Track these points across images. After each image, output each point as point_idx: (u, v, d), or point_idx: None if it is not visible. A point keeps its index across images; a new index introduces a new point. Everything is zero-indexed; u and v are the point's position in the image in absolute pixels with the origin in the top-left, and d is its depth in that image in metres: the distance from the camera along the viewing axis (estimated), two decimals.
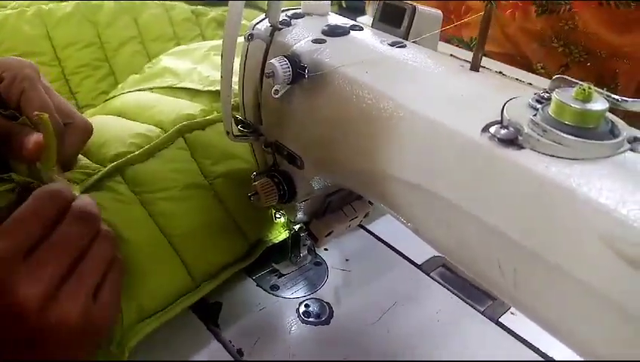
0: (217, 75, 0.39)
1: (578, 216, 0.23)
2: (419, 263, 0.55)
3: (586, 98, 0.25)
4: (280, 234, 0.52)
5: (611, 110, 0.26)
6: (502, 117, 0.27)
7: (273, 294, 0.50)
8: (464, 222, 0.28)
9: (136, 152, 0.45)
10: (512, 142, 0.26)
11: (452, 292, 0.51)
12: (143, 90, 0.57)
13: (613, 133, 0.25)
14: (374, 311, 0.49)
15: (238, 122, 0.44)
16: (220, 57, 0.38)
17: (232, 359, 0.44)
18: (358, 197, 0.48)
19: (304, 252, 0.52)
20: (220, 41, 0.37)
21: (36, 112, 0.36)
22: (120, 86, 0.63)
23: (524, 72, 0.75)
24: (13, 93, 0.38)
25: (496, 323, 0.48)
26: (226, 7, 0.79)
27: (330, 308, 0.49)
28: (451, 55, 0.42)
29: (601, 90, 0.26)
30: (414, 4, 0.39)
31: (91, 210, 0.36)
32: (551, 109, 0.25)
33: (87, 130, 0.43)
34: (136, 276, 0.41)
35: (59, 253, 0.33)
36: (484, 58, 0.34)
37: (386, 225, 0.59)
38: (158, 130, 0.48)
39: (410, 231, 0.34)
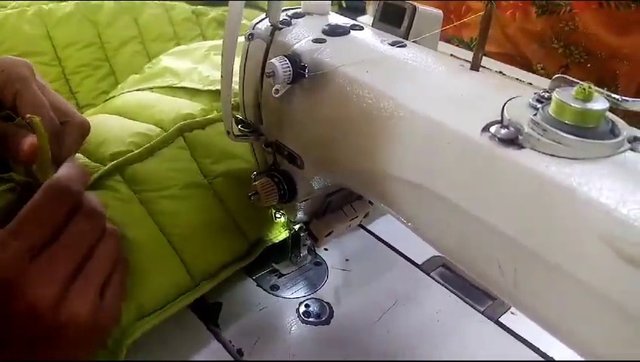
0: (217, 75, 0.39)
1: (578, 215, 0.23)
2: (419, 263, 0.55)
3: (587, 97, 0.25)
4: (280, 234, 0.52)
5: (611, 110, 0.26)
6: (502, 116, 0.27)
7: (273, 294, 0.50)
8: (464, 221, 0.28)
9: (136, 151, 0.46)
10: (512, 141, 0.26)
11: (452, 292, 0.51)
12: (143, 89, 0.57)
13: (613, 132, 0.25)
14: (374, 310, 0.49)
15: (238, 122, 0.44)
16: (220, 57, 0.38)
17: (232, 359, 0.44)
18: (358, 197, 0.48)
19: (304, 252, 0.52)
20: (220, 41, 0.37)
21: (28, 115, 0.35)
22: (120, 86, 0.63)
23: (524, 71, 0.75)
24: (8, 93, 0.38)
25: (496, 323, 0.48)
26: (226, 7, 0.79)
27: (331, 308, 0.49)
28: (451, 55, 0.42)
29: (601, 90, 0.26)
30: (415, 3, 0.39)
31: (95, 207, 0.36)
32: (551, 109, 0.25)
33: (85, 128, 0.43)
34: (135, 274, 0.41)
35: (69, 251, 0.33)
36: (484, 58, 0.34)
37: (386, 225, 0.59)
38: (158, 130, 0.48)
39: (410, 231, 0.34)
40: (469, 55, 0.35)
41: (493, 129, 0.26)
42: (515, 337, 0.47)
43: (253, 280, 0.51)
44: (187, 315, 0.47)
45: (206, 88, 0.53)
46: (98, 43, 0.70)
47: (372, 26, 0.42)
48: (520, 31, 0.82)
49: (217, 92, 0.51)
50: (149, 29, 0.74)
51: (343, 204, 0.48)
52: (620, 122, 0.26)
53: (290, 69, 0.36)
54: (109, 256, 0.36)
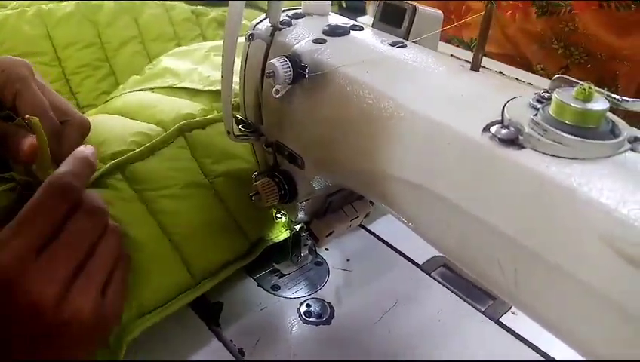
0: (217, 75, 0.39)
1: (579, 215, 0.23)
2: (420, 263, 0.55)
3: (587, 98, 0.25)
4: (281, 234, 0.53)
5: (612, 110, 0.26)
6: (502, 117, 0.27)
7: (274, 294, 0.50)
8: (465, 221, 0.28)
9: (137, 150, 0.46)
10: (512, 141, 0.26)
11: (453, 292, 0.51)
12: (144, 90, 0.57)
13: (613, 132, 0.25)
14: (375, 310, 0.49)
15: (238, 122, 0.44)
16: (220, 58, 0.38)
17: (234, 359, 0.44)
18: (359, 197, 0.48)
19: (305, 252, 0.52)
20: (220, 42, 0.37)
21: (27, 116, 0.36)
22: (121, 87, 0.63)
23: (524, 72, 0.75)
24: (8, 93, 0.38)
25: (496, 323, 0.48)
26: (226, 7, 0.79)
27: (331, 307, 0.49)
28: (452, 55, 0.42)
29: (601, 90, 0.26)
30: (415, 4, 0.39)
31: (98, 205, 0.36)
32: (551, 109, 0.26)
33: (85, 127, 0.43)
34: (136, 273, 0.41)
35: (71, 249, 0.33)
36: (484, 58, 0.34)
37: (387, 225, 0.59)
38: (159, 129, 0.48)
39: (410, 231, 0.34)
40: (469, 55, 0.35)
41: (493, 129, 0.26)
42: (515, 337, 0.47)
43: (255, 280, 0.51)
44: (188, 315, 0.47)
45: (206, 88, 0.53)
46: (98, 43, 0.70)
47: (372, 26, 0.42)
48: (520, 31, 0.82)
49: (217, 92, 0.51)
50: (149, 29, 0.74)
51: (344, 204, 0.48)
52: (621, 122, 0.26)
53: (291, 69, 0.36)
54: (110, 253, 0.36)
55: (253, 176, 0.45)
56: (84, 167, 0.37)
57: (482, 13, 0.33)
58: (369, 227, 0.59)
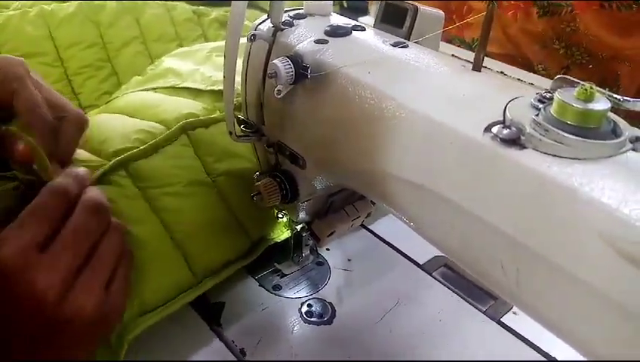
0: (220, 76, 0.39)
1: (580, 215, 0.23)
2: (421, 263, 0.55)
3: (588, 98, 0.25)
4: (282, 234, 0.53)
5: (613, 110, 0.26)
6: (504, 117, 0.27)
7: (276, 294, 0.50)
8: (467, 222, 0.28)
9: (141, 148, 0.46)
10: (514, 141, 0.26)
11: (454, 292, 0.51)
12: (147, 90, 0.57)
13: (615, 132, 0.25)
14: (376, 310, 0.49)
15: (240, 122, 0.44)
16: (222, 58, 0.38)
17: (235, 359, 0.44)
18: (360, 197, 0.48)
19: (306, 252, 0.52)
20: (222, 43, 0.37)
21: (4, 127, 0.36)
22: (123, 87, 0.63)
23: (526, 72, 0.75)
24: (5, 92, 0.39)
25: (497, 323, 0.48)
26: (227, 8, 0.79)
27: (333, 307, 0.49)
28: (453, 55, 0.42)
29: (603, 90, 0.26)
30: (416, 4, 0.39)
31: (101, 202, 0.36)
32: (553, 109, 0.26)
33: (81, 122, 0.43)
34: (137, 271, 0.41)
35: (72, 245, 0.34)
36: (485, 58, 0.34)
37: (388, 225, 0.59)
38: (162, 127, 0.48)
39: (412, 231, 0.34)
40: (470, 55, 0.35)
41: (495, 129, 0.27)
42: (516, 337, 0.47)
43: (256, 280, 0.51)
44: (190, 315, 0.47)
45: (208, 88, 0.53)
46: (100, 43, 0.70)
47: (374, 26, 0.42)
48: (521, 32, 0.82)
49: (220, 92, 0.51)
50: (150, 30, 0.74)
51: (345, 204, 0.48)
52: (622, 122, 0.26)
53: (293, 69, 0.36)
54: (113, 250, 0.36)
55: (254, 176, 0.45)
56: (79, 177, 0.38)
57: (484, 13, 0.33)
58: (370, 227, 0.59)
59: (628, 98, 0.26)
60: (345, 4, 0.93)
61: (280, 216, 0.50)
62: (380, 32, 0.41)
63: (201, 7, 0.80)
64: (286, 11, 0.42)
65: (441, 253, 0.35)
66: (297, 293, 0.50)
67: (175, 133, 0.48)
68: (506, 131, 0.26)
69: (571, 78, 0.27)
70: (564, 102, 0.25)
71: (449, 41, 0.88)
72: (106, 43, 0.70)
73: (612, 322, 0.23)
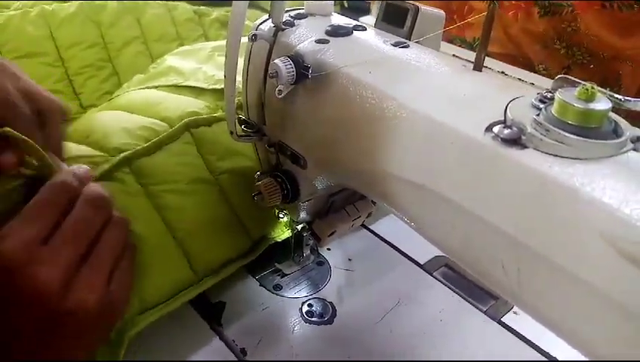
0: (222, 75, 0.39)
1: (581, 215, 0.23)
2: (421, 263, 0.55)
3: (589, 98, 0.25)
4: (283, 234, 0.53)
5: (614, 110, 0.26)
6: (505, 117, 0.27)
7: (276, 294, 0.50)
8: (468, 222, 0.28)
9: (144, 145, 0.46)
10: (515, 141, 0.26)
11: (455, 292, 0.51)
12: (149, 88, 0.57)
13: (616, 132, 0.25)
14: (377, 310, 0.49)
15: (241, 122, 0.44)
16: (223, 58, 0.38)
17: (235, 359, 0.44)
18: (361, 197, 0.48)
19: (307, 252, 0.52)
20: (224, 42, 0.37)
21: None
22: (125, 85, 0.63)
23: (527, 72, 0.75)
24: None
25: (498, 323, 0.48)
26: (228, 8, 0.79)
27: (333, 307, 0.49)
28: (454, 55, 0.42)
29: (604, 90, 0.26)
30: (417, 4, 0.39)
31: (102, 195, 0.37)
32: (554, 109, 0.26)
33: (60, 109, 0.42)
34: (139, 268, 0.41)
35: (74, 238, 0.34)
36: (486, 58, 0.34)
37: (389, 225, 0.59)
38: (165, 125, 0.48)
39: (412, 231, 0.34)
40: (471, 55, 0.35)
41: (496, 129, 0.27)
42: (517, 337, 0.47)
43: (257, 279, 0.52)
44: (190, 314, 0.47)
45: (211, 87, 0.53)
46: (101, 43, 0.70)
47: (375, 26, 0.42)
48: (522, 31, 0.82)
49: (222, 91, 0.51)
50: (151, 30, 0.74)
51: (346, 204, 0.48)
52: (623, 122, 0.26)
53: (294, 69, 0.36)
54: (116, 243, 0.37)
55: (255, 176, 0.45)
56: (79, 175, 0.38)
57: (485, 13, 0.33)
58: (371, 227, 0.59)
59: (629, 98, 0.26)
60: (346, 4, 0.93)
61: (281, 215, 0.50)
62: (380, 31, 0.41)
63: (202, 7, 0.80)
64: (287, 11, 0.42)
65: (441, 253, 0.35)
66: (298, 293, 0.50)
67: (178, 130, 0.48)
68: (507, 131, 0.26)
69: (572, 78, 0.27)
70: (565, 102, 0.25)
71: (450, 41, 0.88)
72: (107, 43, 0.70)
73: (613, 322, 0.23)
